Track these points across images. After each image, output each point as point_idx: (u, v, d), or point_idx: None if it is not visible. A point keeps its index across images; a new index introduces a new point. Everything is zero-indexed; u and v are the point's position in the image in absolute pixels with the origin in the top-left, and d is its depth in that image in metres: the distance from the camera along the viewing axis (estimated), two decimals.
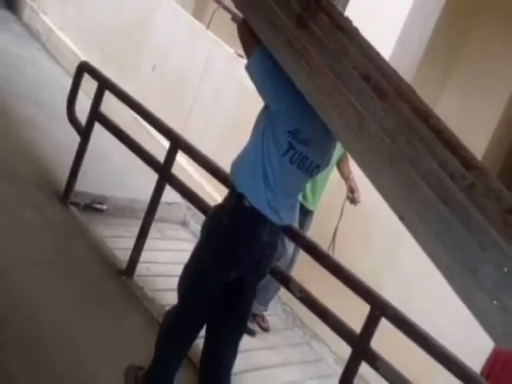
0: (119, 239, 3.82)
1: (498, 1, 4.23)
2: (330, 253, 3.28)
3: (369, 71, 1.71)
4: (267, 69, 2.04)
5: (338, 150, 3.13)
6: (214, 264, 2.20)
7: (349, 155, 2.71)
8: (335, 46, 1.79)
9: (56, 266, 3.08)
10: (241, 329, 2.40)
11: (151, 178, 3.31)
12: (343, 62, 1.76)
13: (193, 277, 2.27)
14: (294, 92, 1.94)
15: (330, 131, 1.95)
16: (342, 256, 2.85)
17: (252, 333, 3.75)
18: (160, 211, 3.42)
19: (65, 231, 3.50)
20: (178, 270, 2.34)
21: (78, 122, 3.76)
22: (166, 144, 3.29)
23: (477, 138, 3.91)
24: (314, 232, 3.56)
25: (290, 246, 3.48)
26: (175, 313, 2.34)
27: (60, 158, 4.07)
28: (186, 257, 2.33)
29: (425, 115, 1.62)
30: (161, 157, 3.27)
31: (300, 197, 3.42)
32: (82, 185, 3.84)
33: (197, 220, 4.46)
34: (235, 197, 2.15)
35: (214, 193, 4.26)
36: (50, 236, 3.35)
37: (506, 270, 1.44)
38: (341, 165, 3.69)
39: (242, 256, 2.18)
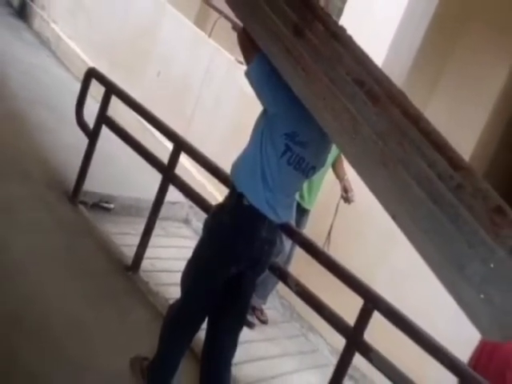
0: (125, 236, 3.82)
1: (484, 12, 4.23)
2: (326, 249, 3.27)
3: (362, 77, 1.71)
4: (266, 75, 2.04)
5: (333, 151, 3.13)
6: (214, 260, 2.19)
7: (343, 157, 2.71)
8: (330, 54, 1.78)
9: (66, 263, 3.08)
10: (241, 322, 2.39)
11: (155, 178, 3.31)
12: (338, 68, 1.76)
13: (195, 272, 2.27)
14: (292, 97, 1.94)
15: (326, 134, 1.94)
16: (337, 253, 2.85)
17: (251, 325, 3.74)
18: (164, 210, 3.42)
19: (74, 229, 3.50)
20: (181, 265, 2.34)
21: (87, 125, 3.76)
22: (170, 146, 3.29)
23: (464, 140, 3.90)
24: (310, 230, 3.55)
25: (287, 242, 3.47)
26: (178, 307, 2.33)
27: (69, 159, 4.06)
28: (188, 253, 2.33)
29: (415, 119, 1.61)
30: (165, 158, 3.27)
31: (297, 196, 3.42)
32: (90, 185, 3.84)
33: (199, 218, 4.46)
34: (235, 196, 2.15)
35: (215, 192, 4.25)
36: (59, 234, 3.34)
37: (492, 265, 1.44)
38: (336, 166, 3.69)
39: (242, 253, 2.18)
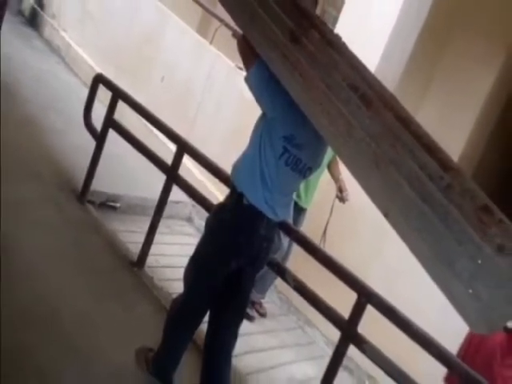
0: (131, 234, 3.81)
1: (471, 21, 4.24)
2: (322, 246, 3.27)
3: (356, 82, 1.71)
4: (264, 80, 2.03)
5: (329, 152, 3.12)
6: (215, 256, 2.19)
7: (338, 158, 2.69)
8: (326, 60, 1.78)
9: (74, 260, 3.07)
10: (241, 315, 2.39)
11: (160, 178, 3.31)
12: (333, 74, 1.75)
13: (197, 268, 2.26)
14: (289, 101, 1.93)
15: (322, 137, 1.94)
16: (332, 249, 2.84)
17: (251, 318, 3.74)
18: (168, 209, 3.42)
19: (82, 227, 3.49)
20: (184, 261, 2.33)
21: (94, 128, 3.75)
22: (173, 148, 3.28)
23: (454, 142, 3.91)
24: (307, 227, 3.54)
25: (285, 240, 3.47)
26: (181, 301, 2.33)
27: (78, 161, 4.05)
28: (191, 250, 2.33)
29: (407, 122, 1.61)
30: (168, 159, 3.26)
31: (294, 195, 3.41)
32: (98, 185, 3.83)
33: (201, 217, 4.45)
34: (235, 196, 2.14)
35: (217, 192, 4.25)
36: (68, 231, 3.34)
37: (479, 262, 1.44)
38: (331, 166, 3.68)
39: (242, 249, 2.17)
